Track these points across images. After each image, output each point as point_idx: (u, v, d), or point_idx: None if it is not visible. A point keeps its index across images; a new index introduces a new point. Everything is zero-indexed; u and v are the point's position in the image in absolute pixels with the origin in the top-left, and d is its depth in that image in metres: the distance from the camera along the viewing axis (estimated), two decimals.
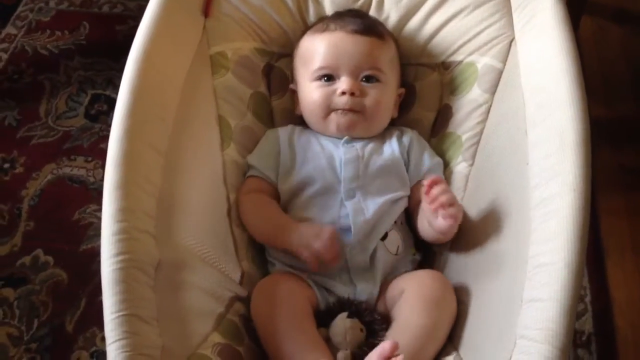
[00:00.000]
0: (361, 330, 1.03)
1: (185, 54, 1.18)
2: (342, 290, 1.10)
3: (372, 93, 1.20)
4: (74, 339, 1.34)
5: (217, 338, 0.99)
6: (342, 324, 1.03)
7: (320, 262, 1.07)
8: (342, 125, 1.20)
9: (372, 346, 0.99)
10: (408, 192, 1.19)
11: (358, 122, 1.20)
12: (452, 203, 1.06)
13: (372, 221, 1.13)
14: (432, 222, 1.09)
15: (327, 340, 1.04)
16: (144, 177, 0.99)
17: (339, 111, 1.19)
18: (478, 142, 1.20)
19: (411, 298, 1.03)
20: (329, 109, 1.20)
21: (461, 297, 1.07)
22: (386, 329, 1.03)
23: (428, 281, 1.06)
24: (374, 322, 1.04)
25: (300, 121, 1.28)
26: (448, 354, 1.01)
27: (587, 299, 1.42)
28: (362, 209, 1.13)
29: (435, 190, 1.05)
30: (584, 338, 1.36)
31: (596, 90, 1.79)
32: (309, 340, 1.01)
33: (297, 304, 1.05)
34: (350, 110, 1.19)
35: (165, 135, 1.06)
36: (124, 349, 0.84)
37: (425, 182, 1.06)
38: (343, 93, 1.18)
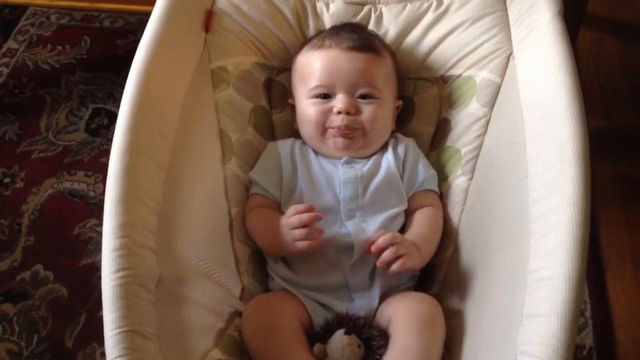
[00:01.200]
0: (359, 346, 1.02)
1: (187, 69, 1.19)
2: (340, 306, 1.10)
3: (368, 109, 1.20)
4: (73, 354, 1.33)
5: (217, 354, 0.99)
6: (340, 340, 1.03)
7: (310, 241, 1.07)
8: (340, 145, 1.20)
9: None
10: (405, 206, 1.19)
11: (355, 141, 1.20)
12: (394, 257, 1.07)
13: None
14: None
15: (325, 357, 1.03)
16: (145, 192, 0.99)
17: (335, 129, 1.19)
18: (477, 156, 1.20)
19: (403, 322, 1.02)
20: (324, 127, 1.20)
21: (461, 312, 1.07)
22: (384, 345, 1.03)
23: (416, 303, 1.06)
24: (372, 338, 1.03)
25: (299, 135, 1.28)
26: None
27: (588, 312, 1.41)
28: (362, 229, 1.13)
29: (374, 249, 1.08)
30: (585, 352, 1.36)
31: (594, 102, 1.80)
32: None
33: (286, 326, 1.05)
34: (347, 127, 1.19)
35: (166, 149, 1.06)
36: None
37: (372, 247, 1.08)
38: (339, 112, 1.19)
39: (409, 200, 1.20)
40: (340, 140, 1.20)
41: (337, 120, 1.19)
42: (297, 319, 1.07)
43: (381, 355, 1.01)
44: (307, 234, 1.08)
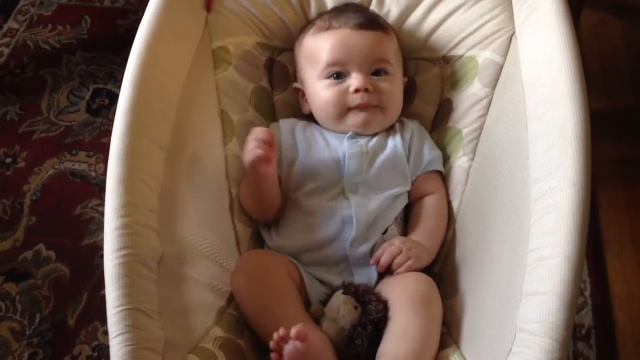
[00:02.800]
0: (355, 307, 1.02)
1: (187, 49, 1.18)
2: (339, 281, 1.10)
3: (384, 86, 1.20)
4: (75, 333, 1.34)
5: (218, 332, 1.00)
6: (336, 299, 1.03)
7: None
8: (359, 123, 1.20)
9: (364, 324, 0.99)
10: (408, 187, 1.20)
11: (375, 117, 1.20)
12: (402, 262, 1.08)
13: (374, 215, 1.13)
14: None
15: (322, 315, 1.04)
16: (147, 172, 0.99)
17: (356, 109, 1.19)
18: (478, 137, 1.21)
19: (401, 302, 1.02)
20: (344, 108, 1.20)
21: (462, 290, 1.07)
22: (382, 311, 1.02)
23: (414, 283, 1.06)
24: (370, 302, 1.03)
25: (305, 117, 1.28)
26: (448, 347, 1.01)
27: (587, 292, 1.42)
28: (365, 204, 1.14)
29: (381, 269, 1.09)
30: (583, 331, 1.36)
31: (596, 83, 1.79)
32: (296, 313, 1.01)
33: (277, 277, 1.06)
34: (367, 105, 1.19)
35: (167, 130, 1.07)
36: (126, 342, 0.85)
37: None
38: (357, 90, 1.18)
39: (414, 181, 1.20)
40: (360, 118, 1.19)
41: (356, 99, 1.19)
42: (290, 277, 1.07)
43: (378, 318, 1.01)
44: (256, 145, 1.07)
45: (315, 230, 1.13)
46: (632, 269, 1.47)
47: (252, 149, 1.08)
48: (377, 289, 1.09)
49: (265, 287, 1.03)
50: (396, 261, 1.08)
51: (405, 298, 1.03)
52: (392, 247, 1.09)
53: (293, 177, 1.18)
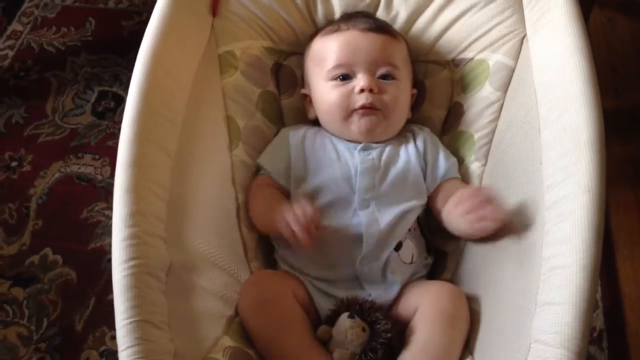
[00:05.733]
0: (364, 329, 1.01)
1: (194, 54, 1.17)
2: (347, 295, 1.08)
3: (390, 90, 1.18)
4: (83, 338, 1.34)
5: (227, 342, 0.99)
6: (343, 323, 1.02)
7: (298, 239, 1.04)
8: (363, 128, 1.17)
9: (374, 349, 0.98)
10: (423, 201, 1.17)
11: (379, 123, 1.18)
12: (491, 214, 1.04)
13: (385, 231, 1.11)
14: (473, 225, 1.06)
15: (330, 338, 1.03)
16: (154, 181, 0.98)
17: (360, 112, 1.17)
18: (491, 141, 1.19)
19: (429, 316, 1.01)
20: (348, 110, 1.18)
21: (475, 299, 1.06)
22: (390, 330, 1.01)
23: (444, 296, 1.04)
24: (377, 322, 1.02)
25: (314, 123, 1.26)
26: (463, 357, 1.00)
27: (598, 294, 1.41)
28: (376, 220, 1.11)
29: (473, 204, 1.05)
30: (595, 334, 1.35)
31: (605, 82, 1.78)
32: (304, 344, 1.00)
33: (282, 302, 1.04)
34: (371, 106, 1.17)
35: (174, 137, 1.06)
36: (136, 355, 0.84)
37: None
38: (362, 90, 1.17)
39: (435, 192, 1.18)
40: (363, 123, 1.17)
41: (360, 99, 1.17)
42: (294, 297, 1.05)
43: (387, 339, 1.00)
44: (300, 232, 1.03)
45: (323, 247, 1.10)
46: None
47: (294, 228, 1.04)
48: (405, 297, 1.07)
49: (271, 318, 1.01)
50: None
51: (434, 311, 1.01)
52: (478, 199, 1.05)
53: (302, 193, 1.16)
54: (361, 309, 1.03)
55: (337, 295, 1.09)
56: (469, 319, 1.03)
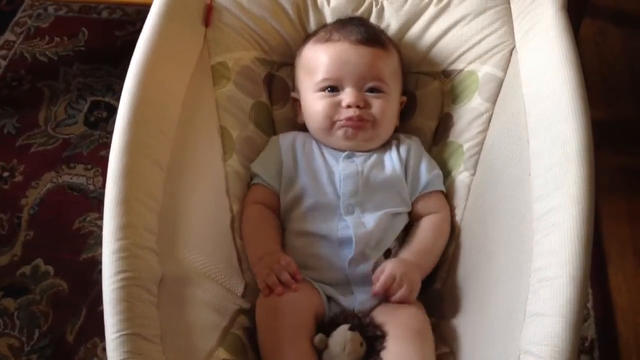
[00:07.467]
0: (361, 344, 1.02)
1: (186, 65, 1.17)
2: (343, 300, 1.10)
3: (377, 104, 1.19)
4: (75, 349, 1.33)
5: (222, 354, 0.98)
6: (343, 335, 1.02)
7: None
8: (349, 134, 1.19)
9: None
10: (408, 209, 1.18)
11: (364, 131, 1.19)
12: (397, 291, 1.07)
13: (374, 233, 1.12)
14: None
15: (325, 348, 1.02)
16: (145, 192, 0.98)
17: (344, 121, 1.18)
18: (479, 152, 1.20)
19: (396, 333, 1.02)
20: (332, 121, 1.19)
21: (464, 308, 1.06)
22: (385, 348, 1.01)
23: (409, 318, 1.05)
24: (375, 338, 1.02)
25: (303, 129, 1.27)
26: None
27: (589, 304, 1.41)
28: (362, 223, 1.13)
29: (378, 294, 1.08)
30: (586, 344, 1.36)
31: (596, 92, 1.79)
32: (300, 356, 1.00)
33: (301, 315, 1.04)
34: (359, 119, 1.18)
35: (167, 148, 1.05)
36: None
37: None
38: (349, 106, 1.18)
39: (414, 203, 1.19)
40: (350, 129, 1.19)
41: (347, 113, 1.18)
42: (310, 307, 1.06)
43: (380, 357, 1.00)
44: (273, 285, 1.06)
45: (312, 250, 1.12)
46: (634, 280, 1.46)
47: (269, 280, 1.07)
48: (375, 315, 1.08)
49: (278, 329, 1.02)
50: (391, 291, 1.07)
51: (401, 330, 1.02)
52: (384, 275, 1.08)
53: (291, 197, 1.17)
54: (360, 323, 1.04)
55: (334, 297, 1.10)
56: (433, 339, 1.04)
